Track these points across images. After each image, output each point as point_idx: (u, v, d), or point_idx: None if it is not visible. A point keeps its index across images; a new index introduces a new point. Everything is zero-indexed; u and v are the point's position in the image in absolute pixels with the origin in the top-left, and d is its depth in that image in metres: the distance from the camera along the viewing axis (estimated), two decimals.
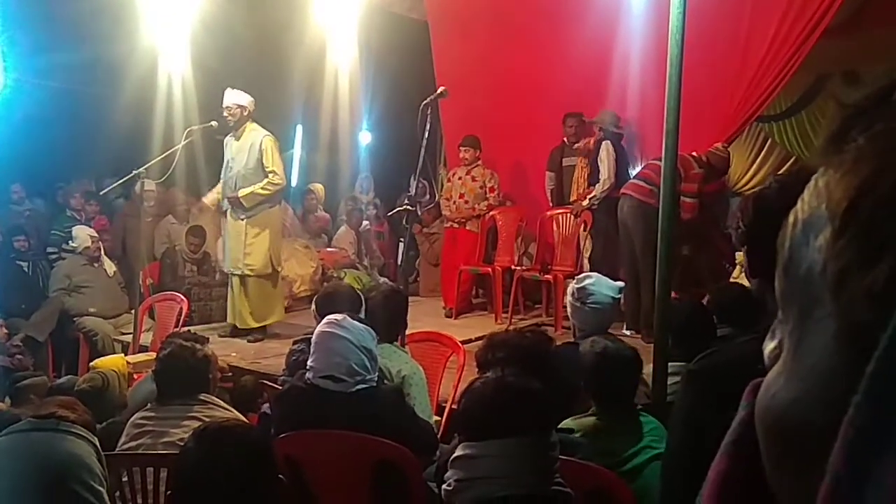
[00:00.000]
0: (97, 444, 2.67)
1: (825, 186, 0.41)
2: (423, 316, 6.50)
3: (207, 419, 2.93)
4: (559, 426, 2.55)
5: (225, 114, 6.14)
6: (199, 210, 7.12)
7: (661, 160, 3.32)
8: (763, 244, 1.54)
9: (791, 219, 0.44)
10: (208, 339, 3.61)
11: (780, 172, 8.04)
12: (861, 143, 0.40)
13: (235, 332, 6.31)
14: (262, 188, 6.11)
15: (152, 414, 3.12)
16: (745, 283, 3.68)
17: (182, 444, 2.27)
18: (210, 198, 6.82)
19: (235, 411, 3.30)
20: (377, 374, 3.03)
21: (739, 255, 6.16)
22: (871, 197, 0.38)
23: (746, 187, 8.96)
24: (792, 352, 0.43)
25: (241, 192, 6.08)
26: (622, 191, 6.22)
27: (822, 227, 0.40)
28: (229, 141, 6.24)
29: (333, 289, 4.18)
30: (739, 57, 6.16)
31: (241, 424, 2.45)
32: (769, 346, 0.48)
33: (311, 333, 3.18)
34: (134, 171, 5.98)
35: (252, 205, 6.14)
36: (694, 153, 5.99)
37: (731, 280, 6.51)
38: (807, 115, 8.58)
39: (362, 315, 3.51)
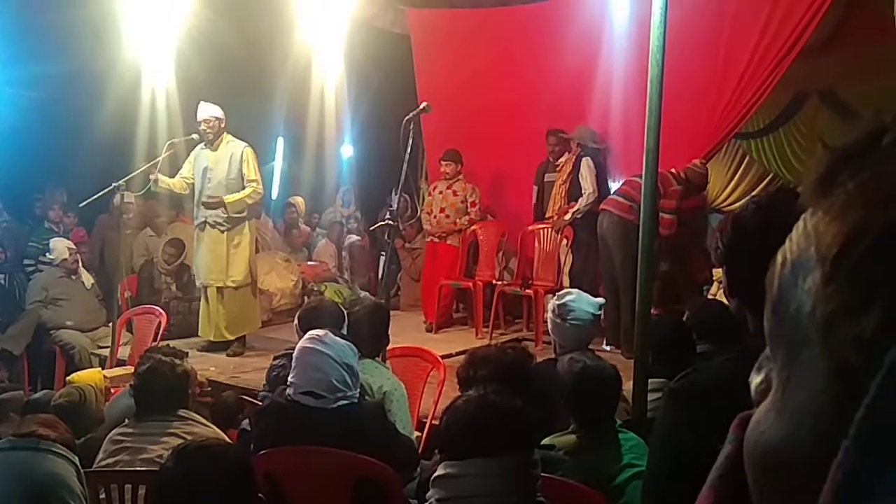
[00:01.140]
0: (78, 463, 2.64)
1: (814, 229, 0.42)
2: (404, 330, 6.47)
3: (186, 435, 2.91)
4: (540, 444, 2.55)
5: (203, 127, 6.11)
6: (155, 181, 6.12)
7: (640, 177, 3.34)
8: (741, 264, 1.56)
9: (780, 258, 0.45)
10: (187, 353, 3.58)
11: (754, 193, 8.11)
12: (850, 188, 0.41)
13: (213, 347, 6.26)
14: (248, 196, 6.11)
15: (130, 430, 3.09)
16: (724, 299, 3.71)
17: (161, 460, 2.25)
18: (163, 179, 6.23)
19: (215, 427, 3.28)
20: (358, 390, 3.02)
21: (718, 272, 6.20)
22: (860, 245, 0.38)
23: (725, 204, 9.03)
24: (781, 389, 0.44)
25: (229, 198, 6.05)
26: (602, 206, 6.25)
27: (811, 270, 0.41)
28: (202, 153, 6.20)
29: (316, 304, 4.16)
30: (718, 74, 6.23)
31: (221, 442, 2.44)
32: (755, 381, 0.49)
33: (292, 348, 3.17)
34: (113, 184, 5.94)
35: (235, 211, 6.12)
36: (672, 170, 6.03)
37: (710, 297, 6.56)
38: (785, 132, 8.66)
39: (344, 331, 3.50)
